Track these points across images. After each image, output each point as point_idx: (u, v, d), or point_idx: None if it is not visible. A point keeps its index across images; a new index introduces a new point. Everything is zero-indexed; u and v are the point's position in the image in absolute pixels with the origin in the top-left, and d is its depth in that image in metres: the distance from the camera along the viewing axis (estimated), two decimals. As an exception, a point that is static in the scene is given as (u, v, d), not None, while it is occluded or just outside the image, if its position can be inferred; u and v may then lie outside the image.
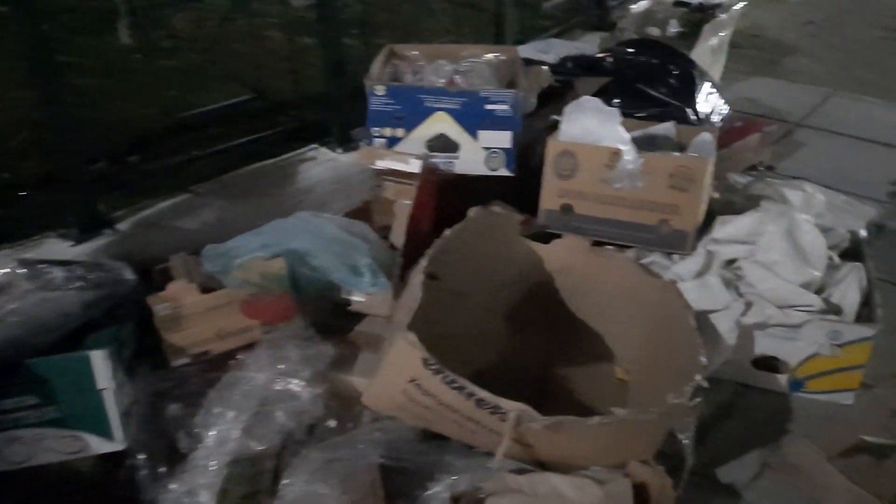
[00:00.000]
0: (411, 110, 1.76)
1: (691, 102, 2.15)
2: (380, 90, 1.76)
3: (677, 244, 1.62)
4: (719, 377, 1.50)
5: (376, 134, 1.79)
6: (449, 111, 1.76)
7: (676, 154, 1.66)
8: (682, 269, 1.59)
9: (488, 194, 1.74)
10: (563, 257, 1.60)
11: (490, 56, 2.03)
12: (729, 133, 2.21)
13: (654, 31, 2.92)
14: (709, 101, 2.23)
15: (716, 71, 2.94)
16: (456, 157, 1.81)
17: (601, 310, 1.58)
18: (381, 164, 1.76)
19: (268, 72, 2.75)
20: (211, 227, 1.83)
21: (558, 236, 1.63)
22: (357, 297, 1.57)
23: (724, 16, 2.96)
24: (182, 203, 1.92)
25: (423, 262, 1.37)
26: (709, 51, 2.84)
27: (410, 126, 1.78)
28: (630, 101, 2.07)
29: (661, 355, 1.42)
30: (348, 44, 2.49)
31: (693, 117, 2.13)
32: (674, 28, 2.92)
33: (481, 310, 1.56)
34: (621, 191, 1.64)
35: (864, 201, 2.04)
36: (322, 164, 2.15)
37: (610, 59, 2.30)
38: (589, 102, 1.71)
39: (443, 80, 1.82)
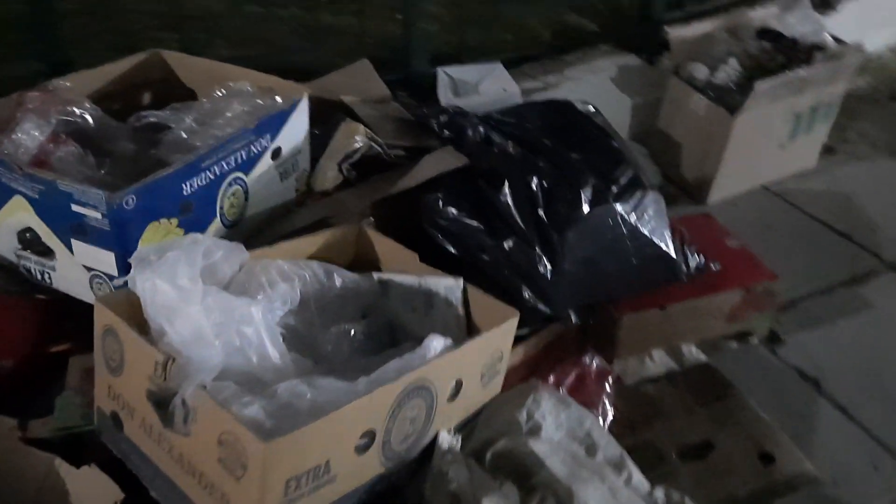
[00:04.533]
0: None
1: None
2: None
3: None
4: None
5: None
6: (28, 199, 1.08)
7: (230, 411, 0.83)
8: None
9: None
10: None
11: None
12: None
13: (699, 72, 1.91)
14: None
15: (802, 152, 1.90)
16: (52, 269, 1.13)
17: None
18: None
19: None
20: None
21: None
22: None
23: (825, 65, 1.87)
24: None
25: None
26: (772, 117, 1.81)
27: (-9, 205, 1.13)
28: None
29: None
30: None
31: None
32: (732, 69, 1.89)
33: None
34: (173, 430, 0.88)
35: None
36: None
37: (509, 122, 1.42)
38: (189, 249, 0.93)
39: (37, 138, 1.10)
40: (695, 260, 1.41)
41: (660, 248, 1.33)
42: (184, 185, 1.10)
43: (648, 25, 2.14)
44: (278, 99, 1.31)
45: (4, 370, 1.15)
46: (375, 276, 1.18)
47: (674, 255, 1.36)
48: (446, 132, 1.43)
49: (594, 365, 1.38)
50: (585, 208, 1.25)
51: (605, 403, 1.32)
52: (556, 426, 1.06)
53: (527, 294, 1.24)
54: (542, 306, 1.25)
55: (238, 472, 0.80)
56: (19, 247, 1.14)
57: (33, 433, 1.03)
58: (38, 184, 1.05)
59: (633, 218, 1.29)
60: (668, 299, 1.40)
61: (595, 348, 1.41)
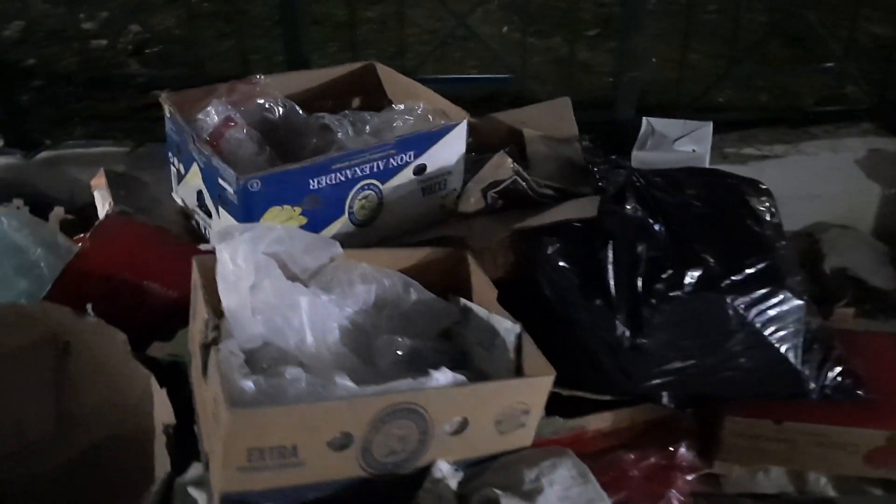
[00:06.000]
0: (183, 149, 1.37)
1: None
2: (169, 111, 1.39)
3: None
4: None
5: (171, 160, 1.45)
6: (200, 168, 1.32)
7: (223, 376, 0.91)
8: None
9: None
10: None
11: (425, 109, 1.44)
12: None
13: None
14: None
15: None
16: (209, 226, 1.36)
17: None
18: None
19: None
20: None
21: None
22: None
23: None
24: None
25: None
26: None
27: (186, 168, 1.39)
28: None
29: None
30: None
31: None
32: None
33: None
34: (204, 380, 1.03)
35: None
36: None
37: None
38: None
39: (215, 122, 1.32)
40: (835, 381, 1.22)
41: (780, 354, 1.18)
42: (311, 181, 1.26)
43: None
44: (442, 121, 1.41)
45: (170, 300, 1.42)
46: (462, 301, 1.23)
47: (798, 366, 1.19)
48: (601, 182, 1.41)
49: (683, 457, 1.28)
50: (687, 289, 1.16)
51: (671, 498, 1.22)
52: (561, 498, 1.03)
53: (603, 360, 1.19)
54: (618, 377, 1.19)
55: (219, 430, 0.93)
56: (196, 203, 1.39)
57: (152, 352, 1.26)
58: (202, 157, 1.28)
59: (751, 315, 1.17)
60: (787, 415, 1.24)
61: (700, 444, 1.31)
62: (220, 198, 1.27)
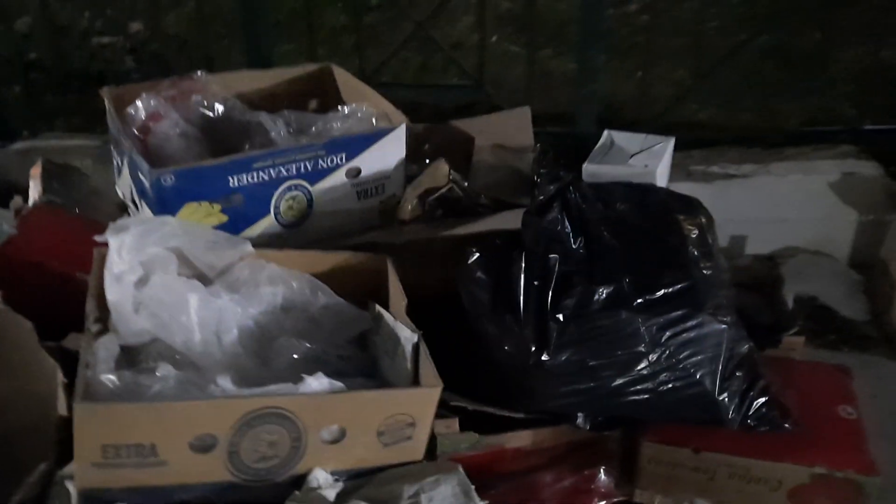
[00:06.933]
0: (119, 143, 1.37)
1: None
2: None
3: None
4: None
5: (112, 153, 1.44)
6: (127, 163, 1.31)
7: (85, 367, 0.92)
8: None
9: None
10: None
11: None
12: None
13: None
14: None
15: None
16: (138, 218, 1.37)
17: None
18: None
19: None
20: None
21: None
22: None
23: None
24: None
25: None
26: None
27: (122, 161, 1.39)
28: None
29: None
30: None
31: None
32: None
33: None
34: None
35: None
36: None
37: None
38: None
39: (142, 116, 1.31)
40: (759, 411, 1.16)
41: (694, 379, 1.13)
42: (230, 178, 1.24)
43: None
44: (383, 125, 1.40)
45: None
46: (377, 308, 1.21)
47: (716, 395, 1.14)
48: (539, 194, 1.37)
49: (601, 482, 1.24)
50: (595, 307, 1.11)
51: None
52: (438, 515, 0.99)
53: (510, 376, 1.16)
54: (524, 394, 1.15)
55: (75, 424, 0.92)
56: (130, 197, 1.39)
57: (67, 343, 1.26)
58: (125, 151, 1.28)
59: (664, 336, 1.12)
60: (706, 444, 1.18)
61: (620, 469, 1.26)
62: (141, 192, 1.27)
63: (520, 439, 1.26)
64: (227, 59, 2.21)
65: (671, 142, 1.63)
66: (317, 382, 0.97)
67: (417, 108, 1.88)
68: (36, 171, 1.45)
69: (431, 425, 1.07)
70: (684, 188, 1.72)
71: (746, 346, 1.20)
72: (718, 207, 1.70)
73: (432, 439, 1.19)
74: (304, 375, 0.97)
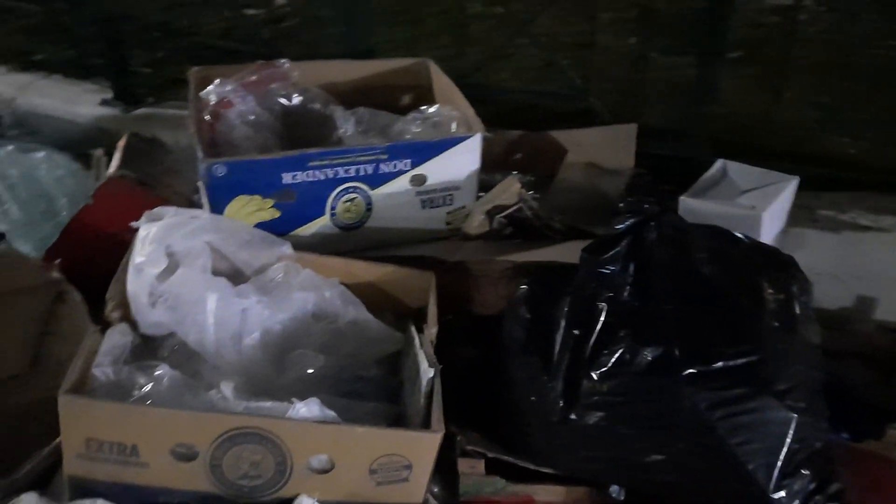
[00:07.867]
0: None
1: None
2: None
3: None
4: None
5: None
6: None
7: (84, 357, 0.92)
8: None
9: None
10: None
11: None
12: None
13: None
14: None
15: None
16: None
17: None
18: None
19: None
20: None
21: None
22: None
23: None
24: None
25: None
26: None
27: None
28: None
29: None
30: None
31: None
32: None
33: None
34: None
35: None
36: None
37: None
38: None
39: (213, 102, 1.29)
40: (816, 500, 0.98)
41: (747, 473, 0.97)
42: (283, 175, 1.21)
43: None
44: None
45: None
46: (412, 330, 1.14)
47: (770, 492, 0.97)
48: (614, 226, 1.24)
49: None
50: (636, 368, 0.98)
51: None
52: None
53: (533, 427, 1.05)
54: (546, 449, 1.04)
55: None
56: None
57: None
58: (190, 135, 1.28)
59: (714, 416, 0.96)
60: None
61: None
62: (201, 178, 1.27)
63: (551, 493, 1.15)
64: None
65: (793, 182, 1.44)
66: (306, 409, 0.91)
67: (519, 112, 1.77)
68: (121, 144, 1.49)
69: (432, 469, 0.98)
70: (807, 235, 1.51)
71: (828, 441, 1.02)
72: (846, 261, 1.49)
73: (455, 478, 1.11)
74: (294, 400, 0.92)
